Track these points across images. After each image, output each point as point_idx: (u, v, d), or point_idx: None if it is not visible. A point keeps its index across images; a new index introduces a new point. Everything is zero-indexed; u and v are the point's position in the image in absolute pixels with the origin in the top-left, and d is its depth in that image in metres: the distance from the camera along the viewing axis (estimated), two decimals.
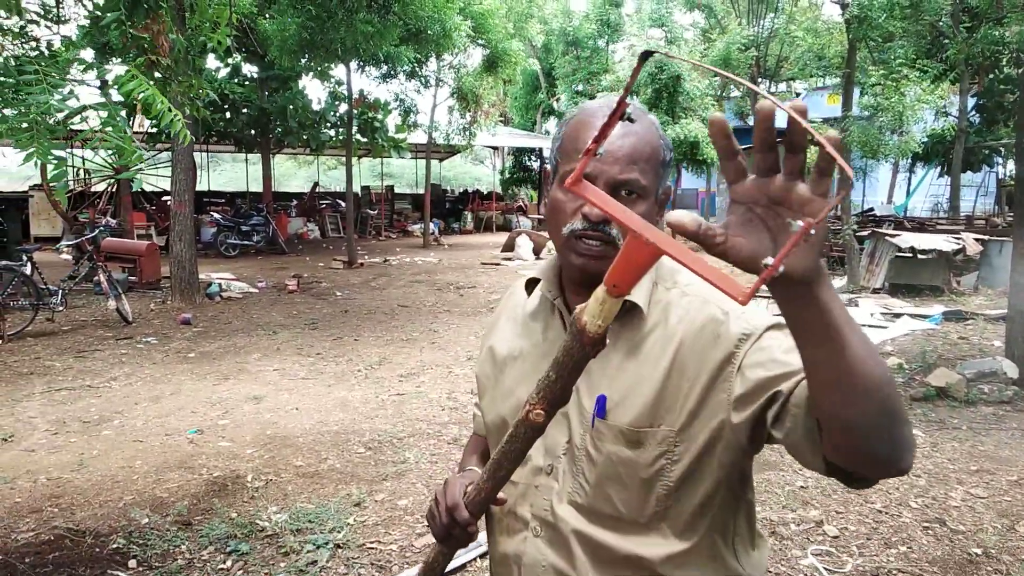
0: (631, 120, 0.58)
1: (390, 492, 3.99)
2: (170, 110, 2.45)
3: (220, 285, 10.66)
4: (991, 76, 17.00)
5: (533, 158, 28.54)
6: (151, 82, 2.84)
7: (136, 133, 11.14)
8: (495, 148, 29.80)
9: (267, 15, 13.07)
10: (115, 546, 3.37)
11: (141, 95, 2.36)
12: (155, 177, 15.68)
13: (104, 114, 2.30)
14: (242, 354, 7.17)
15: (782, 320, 0.97)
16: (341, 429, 5.00)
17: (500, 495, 1.07)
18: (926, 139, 16.08)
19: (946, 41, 14.89)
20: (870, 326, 8.38)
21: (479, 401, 1.37)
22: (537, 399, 0.87)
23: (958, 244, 10.76)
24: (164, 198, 16.64)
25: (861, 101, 11.20)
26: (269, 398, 5.71)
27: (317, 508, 3.74)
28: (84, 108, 2.30)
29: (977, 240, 11.06)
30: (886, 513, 3.78)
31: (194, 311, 9.20)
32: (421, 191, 22.55)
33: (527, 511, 1.18)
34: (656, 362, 1.08)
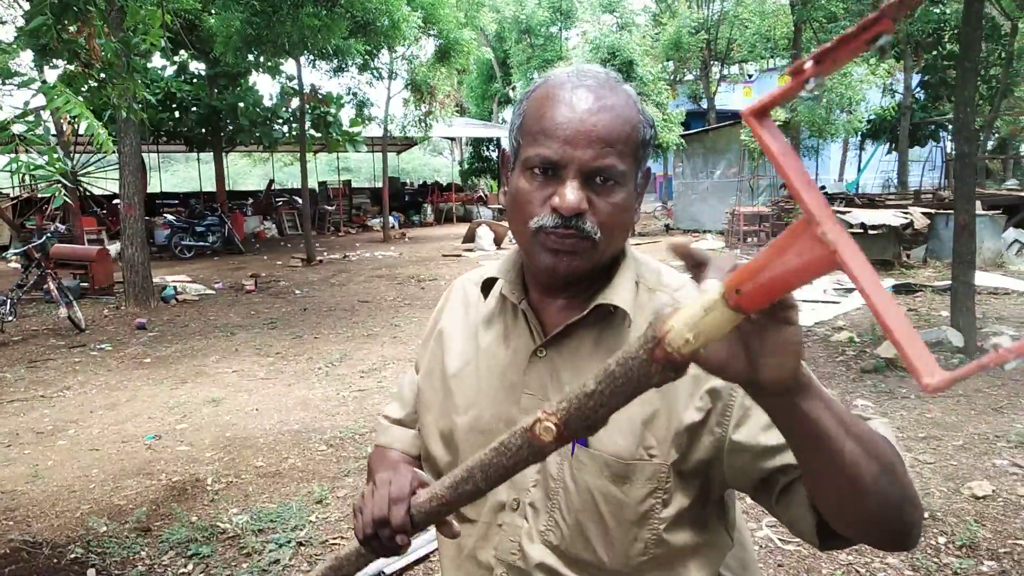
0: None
1: (352, 488, 3.99)
2: (96, 124, 2.41)
3: (175, 288, 10.49)
4: (934, 53, 17.43)
5: (491, 148, 28.51)
6: (85, 87, 2.78)
7: (80, 136, 10.85)
8: (453, 139, 29.73)
9: (211, 11, 12.83)
10: (73, 556, 3.33)
11: (69, 110, 2.31)
12: (104, 180, 15.34)
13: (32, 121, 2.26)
14: (199, 357, 7.08)
15: None
16: (302, 428, 4.98)
17: (455, 525, 0.88)
18: (873, 117, 16.44)
19: None
20: (824, 302, 8.59)
21: (420, 417, 1.15)
22: (556, 411, 0.65)
23: (906, 218, 11.04)
24: (115, 201, 16.30)
25: None
26: (228, 400, 5.66)
27: (279, 507, 3.74)
28: (8, 123, 2.24)
29: (924, 214, 11.36)
30: None
31: (149, 315, 9.04)
32: (379, 185, 22.39)
33: (490, 555, 1.01)
34: None
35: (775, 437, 0.86)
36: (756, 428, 0.89)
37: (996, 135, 23.89)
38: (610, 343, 0.96)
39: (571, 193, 0.88)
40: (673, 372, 0.57)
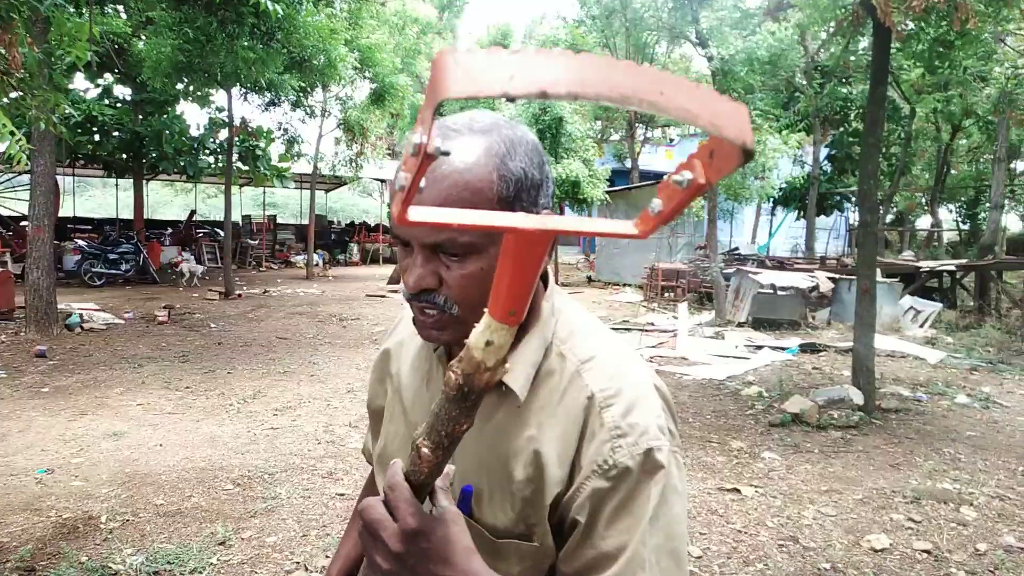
0: (444, 154, 0.45)
1: (258, 529, 3.85)
2: (12, 133, 2.32)
3: (81, 316, 10.00)
4: (841, 129, 18.63)
5: None
6: (4, 98, 2.68)
7: None
8: (383, 181, 29.66)
9: (142, 36, 12.58)
10: None
11: None
12: (13, 200, 14.62)
13: None
14: (102, 388, 6.74)
15: (665, 458, 0.85)
16: (208, 465, 4.78)
17: None
18: (784, 185, 17.34)
19: (799, 95, 16.24)
20: (735, 357, 8.89)
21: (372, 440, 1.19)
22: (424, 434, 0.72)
23: (813, 282, 11.61)
24: (22, 223, 15.50)
25: None
26: (130, 434, 5.40)
27: (178, 548, 3.56)
28: None
29: (829, 278, 11.98)
30: (745, 533, 4.00)
31: (51, 343, 8.57)
32: (306, 221, 22.08)
33: None
34: (535, 457, 0.87)
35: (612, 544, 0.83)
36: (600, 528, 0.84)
37: (895, 209, 25.52)
38: (506, 413, 0.90)
39: (413, 271, 0.85)
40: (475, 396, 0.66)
